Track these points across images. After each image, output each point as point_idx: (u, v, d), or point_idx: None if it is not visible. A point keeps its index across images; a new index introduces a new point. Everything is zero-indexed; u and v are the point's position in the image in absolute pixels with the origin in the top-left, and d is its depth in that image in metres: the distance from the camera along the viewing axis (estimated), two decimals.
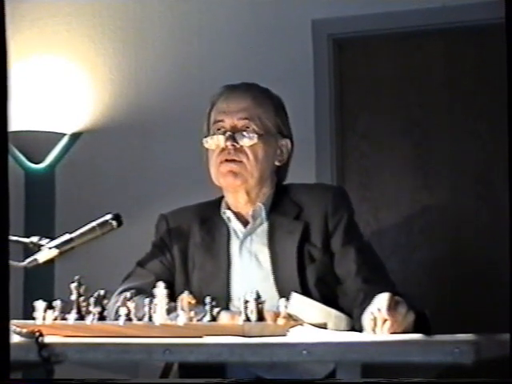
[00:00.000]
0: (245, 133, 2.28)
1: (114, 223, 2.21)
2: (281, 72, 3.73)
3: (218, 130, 2.31)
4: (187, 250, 2.32)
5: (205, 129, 2.37)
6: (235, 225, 2.32)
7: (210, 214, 2.36)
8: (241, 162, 2.27)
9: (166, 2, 3.96)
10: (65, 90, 3.99)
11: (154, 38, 3.97)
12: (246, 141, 2.28)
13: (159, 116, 3.87)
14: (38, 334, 1.62)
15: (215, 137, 2.30)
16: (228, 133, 2.27)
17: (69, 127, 3.99)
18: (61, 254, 2.15)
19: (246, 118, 2.29)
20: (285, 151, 2.37)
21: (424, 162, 3.66)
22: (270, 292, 2.11)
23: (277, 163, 2.36)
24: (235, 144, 2.27)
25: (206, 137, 2.35)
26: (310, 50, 3.73)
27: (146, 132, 3.92)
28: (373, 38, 3.73)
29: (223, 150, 2.28)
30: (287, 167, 2.41)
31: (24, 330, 1.68)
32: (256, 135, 2.28)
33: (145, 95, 3.94)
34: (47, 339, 1.64)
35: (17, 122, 3.82)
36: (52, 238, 2.18)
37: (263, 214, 2.31)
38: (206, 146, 2.32)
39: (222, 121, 2.30)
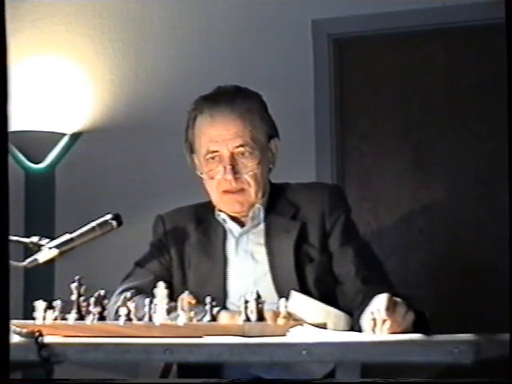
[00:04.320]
0: (244, 161, 2.22)
1: (114, 223, 2.20)
2: (281, 72, 3.74)
3: (213, 158, 2.24)
4: (184, 250, 2.30)
5: (187, 145, 2.31)
6: (231, 225, 2.31)
7: (205, 214, 2.34)
8: (243, 190, 2.24)
9: (166, 2, 3.96)
10: (65, 90, 3.99)
11: (154, 38, 3.97)
12: (247, 171, 2.22)
13: (159, 116, 3.87)
14: (37, 334, 1.62)
15: (214, 169, 2.24)
16: (228, 166, 2.21)
17: (69, 127, 3.99)
18: (61, 254, 2.15)
19: (241, 146, 2.22)
20: (275, 151, 2.33)
21: (424, 162, 3.66)
22: (267, 291, 2.10)
23: (270, 166, 2.33)
24: (236, 176, 2.22)
25: (192, 153, 2.30)
26: (310, 50, 3.73)
27: (146, 132, 3.92)
28: (373, 37, 3.73)
29: (224, 179, 2.23)
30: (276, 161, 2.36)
31: (24, 330, 1.68)
32: (255, 161, 2.23)
33: (145, 95, 3.94)
34: (47, 339, 1.64)
35: (17, 121, 3.82)
36: (52, 238, 2.17)
37: (261, 215, 2.29)
38: (204, 177, 2.27)
39: (216, 151, 2.23)
